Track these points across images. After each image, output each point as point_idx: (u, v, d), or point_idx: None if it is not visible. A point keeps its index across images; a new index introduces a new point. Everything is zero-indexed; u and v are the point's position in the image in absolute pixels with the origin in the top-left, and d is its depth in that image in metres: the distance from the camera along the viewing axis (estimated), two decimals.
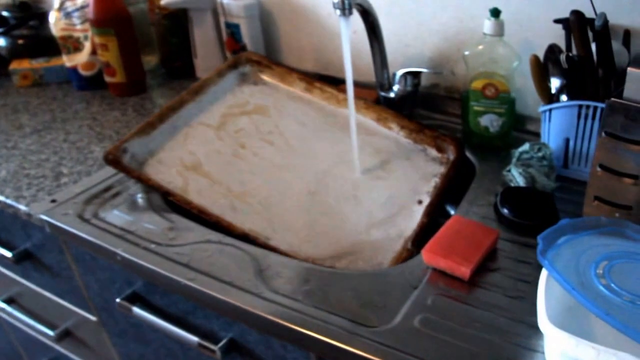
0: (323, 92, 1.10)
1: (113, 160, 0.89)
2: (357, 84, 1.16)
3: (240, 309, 0.69)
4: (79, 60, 1.21)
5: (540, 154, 0.90)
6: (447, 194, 0.94)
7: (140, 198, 0.89)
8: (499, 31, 0.94)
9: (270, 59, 1.14)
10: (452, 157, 1.00)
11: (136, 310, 0.85)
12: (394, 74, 1.10)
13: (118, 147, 0.91)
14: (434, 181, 0.97)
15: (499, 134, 1.01)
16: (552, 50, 0.92)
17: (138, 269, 0.76)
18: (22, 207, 0.87)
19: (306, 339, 0.66)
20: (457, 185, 0.97)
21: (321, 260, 0.82)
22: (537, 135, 1.04)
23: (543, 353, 0.62)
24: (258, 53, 1.15)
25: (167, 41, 1.29)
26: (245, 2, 1.19)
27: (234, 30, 1.21)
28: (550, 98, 0.91)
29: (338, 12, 0.89)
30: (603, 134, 0.76)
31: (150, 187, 0.88)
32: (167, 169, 0.93)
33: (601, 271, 0.61)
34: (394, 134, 1.05)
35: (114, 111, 1.16)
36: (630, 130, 0.74)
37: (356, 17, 1.11)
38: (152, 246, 0.78)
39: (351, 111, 0.95)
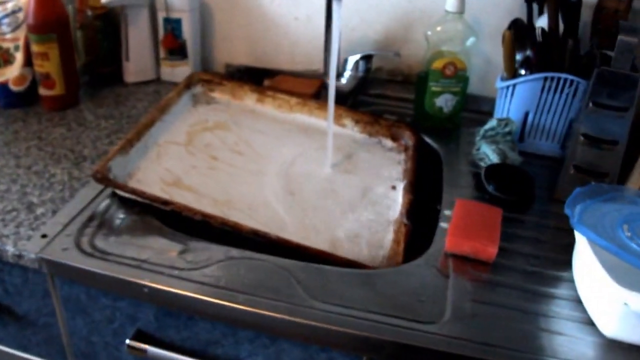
0: (275, 100, 1.10)
1: (103, 178, 0.83)
2: (296, 75, 1.14)
3: (295, 324, 0.67)
4: (9, 74, 1.05)
5: (507, 129, 0.94)
6: (420, 179, 0.96)
7: (133, 221, 0.80)
8: (461, 8, 0.96)
9: (221, 75, 1.14)
10: (410, 143, 1.01)
11: (152, 350, 0.78)
12: (345, 60, 1.08)
13: (104, 165, 0.85)
14: (401, 167, 0.98)
15: (451, 114, 1.04)
16: (517, 24, 0.94)
17: (171, 300, 0.71)
18: (10, 249, 0.76)
19: (375, 343, 0.66)
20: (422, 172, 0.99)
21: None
22: (480, 112, 1.09)
23: (588, 323, 0.67)
24: (209, 72, 1.15)
25: (96, 45, 1.18)
26: None
27: (174, 26, 1.13)
28: (514, 73, 0.94)
29: None
30: (590, 104, 0.80)
31: (146, 199, 0.83)
32: (148, 188, 0.87)
33: (629, 233, 0.65)
34: (348, 130, 1.08)
35: (57, 127, 1.04)
36: (617, 97, 0.79)
37: (300, 5, 1.08)
38: (176, 272, 0.73)
39: (331, 98, 0.95)
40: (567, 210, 0.70)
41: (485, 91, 1.09)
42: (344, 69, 1.09)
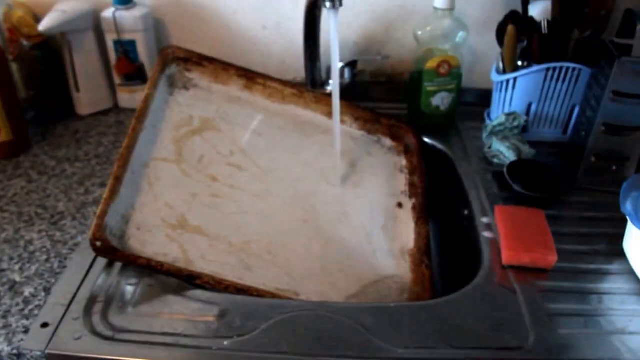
0: (266, 88, 0.93)
1: (105, 248, 0.67)
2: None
3: None
4: None
5: (515, 124, 0.88)
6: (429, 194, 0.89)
7: (148, 285, 0.67)
8: (452, 4, 0.88)
9: (201, 53, 0.91)
10: (410, 145, 0.93)
11: None
12: (329, 69, 0.98)
13: (100, 226, 0.68)
14: (404, 177, 0.91)
15: (447, 112, 0.97)
16: (517, 17, 0.88)
17: None
18: (4, 347, 0.60)
19: None
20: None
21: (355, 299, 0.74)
22: (469, 104, 1.03)
23: None
24: (185, 48, 0.91)
25: (37, 77, 0.99)
26: (140, 12, 0.97)
27: (127, 48, 0.98)
28: (515, 66, 0.89)
29: (328, 4, 0.75)
30: (610, 93, 0.76)
31: (163, 274, 0.68)
32: (153, 237, 0.73)
33: None
34: (347, 127, 0.95)
35: (15, 180, 0.87)
36: (637, 85, 0.75)
37: (267, 13, 0.96)
38: (226, 343, 0.60)
39: (336, 121, 0.83)
40: (626, 208, 0.66)
41: (473, 83, 1.03)
42: (328, 77, 0.99)
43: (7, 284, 0.68)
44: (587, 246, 0.73)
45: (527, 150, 0.87)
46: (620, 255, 0.72)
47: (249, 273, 0.73)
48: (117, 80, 1.02)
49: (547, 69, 0.86)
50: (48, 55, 0.99)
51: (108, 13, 0.97)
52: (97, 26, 0.99)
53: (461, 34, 0.91)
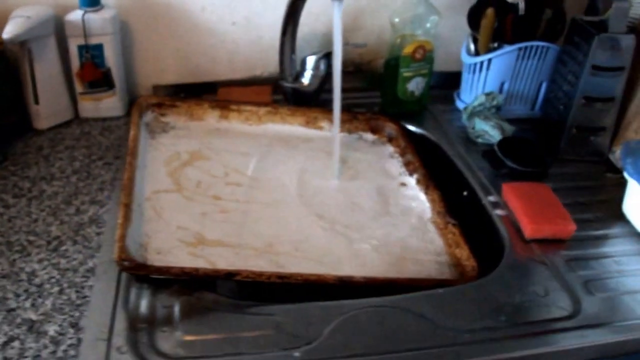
0: (241, 113, 0.93)
1: (136, 265, 0.62)
2: (238, 84, 0.99)
3: None
4: None
5: (494, 103, 0.91)
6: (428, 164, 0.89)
7: (188, 302, 0.62)
8: None
9: (172, 95, 0.93)
10: (393, 134, 0.94)
11: None
12: (303, 61, 0.95)
13: (124, 247, 0.62)
14: (397, 161, 0.91)
15: (420, 96, 0.98)
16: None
17: None
18: None
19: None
20: None
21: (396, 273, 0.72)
22: (436, 88, 1.04)
23: None
24: (155, 95, 0.93)
25: None
26: (109, 14, 0.88)
27: (94, 53, 0.88)
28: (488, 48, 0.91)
29: None
30: (590, 67, 0.80)
31: (206, 276, 0.63)
32: (176, 257, 0.68)
33: None
34: (326, 132, 0.95)
35: (1, 205, 0.76)
36: (613, 59, 0.80)
37: (236, 8, 0.93)
38: (297, 354, 0.57)
39: (336, 109, 0.81)
40: (628, 164, 0.71)
41: (436, 66, 1.05)
42: (303, 69, 0.96)
43: (23, 325, 0.59)
44: (589, 214, 0.77)
45: (508, 128, 0.90)
46: (621, 218, 0.77)
47: (283, 269, 0.69)
48: (79, 88, 0.92)
49: (520, 49, 0.90)
50: (5, 68, 0.87)
51: (74, 16, 0.87)
52: (57, 31, 0.88)
53: (432, 18, 0.92)
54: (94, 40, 0.88)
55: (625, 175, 0.74)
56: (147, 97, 0.89)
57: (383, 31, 1.00)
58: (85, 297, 0.62)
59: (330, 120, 0.93)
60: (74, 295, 0.63)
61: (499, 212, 0.77)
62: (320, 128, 0.94)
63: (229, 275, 0.63)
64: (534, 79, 0.93)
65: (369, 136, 0.95)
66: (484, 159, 0.87)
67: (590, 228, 0.75)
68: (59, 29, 0.89)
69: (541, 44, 0.89)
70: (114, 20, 0.89)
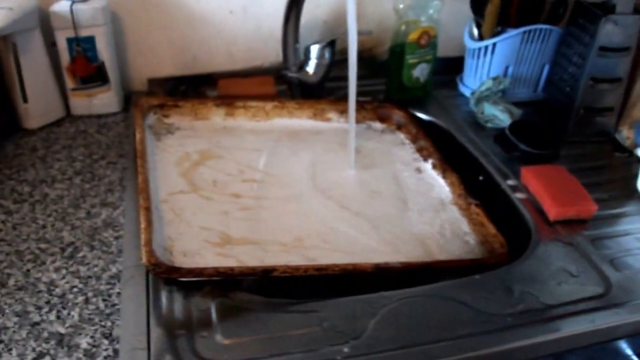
0: (247, 110, 0.90)
1: (167, 268, 0.58)
2: (239, 75, 0.95)
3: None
4: None
5: (501, 87, 0.91)
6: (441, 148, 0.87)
7: (224, 305, 0.58)
8: None
9: (173, 95, 0.89)
10: (402, 121, 0.92)
11: None
12: (307, 49, 0.92)
13: (152, 252, 0.58)
14: (409, 147, 0.89)
15: (425, 83, 0.97)
16: None
17: None
18: None
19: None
20: None
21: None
22: (437, 73, 1.02)
23: None
24: (152, 90, 0.89)
25: None
26: (100, 3, 0.83)
27: (86, 47, 0.83)
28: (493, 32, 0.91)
29: None
30: (597, 49, 0.81)
31: (243, 275, 0.60)
32: (204, 259, 0.65)
33: None
34: (334, 124, 0.93)
35: (2, 212, 0.70)
36: (619, 40, 0.80)
37: None
38: (346, 350, 0.55)
39: (352, 99, 0.79)
40: None
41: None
42: (307, 59, 0.93)
43: (52, 339, 0.55)
44: (604, 193, 0.77)
45: (516, 111, 0.89)
46: (635, 196, 0.77)
47: (314, 262, 0.67)
48: (70, 84, 0.86)
49: (524, 32, 0.89)
50: None
51: (59, 7, 0.81)
52: (42, 24, 0.82)
53: (435, 3, 0.90)
54: (84, 33, 0.83)
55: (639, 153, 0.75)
56: (148, 98, 0.85)
57: (384, 18, 0.98)
58: (114, 305, 0.58)
59: (338, 111, 0.91)
60: (101, 304, 0.58)
61: (519, 195, 0.76)
62: (328, 120, 0.92)
63: (266, 272, 0.60)
64: (537, 61, 0.93)
65: (378, 125, 0.93)
66: (496, 143, 0.86)
67: (607, 207, 0.75)
68: (43, 21, 0.83)
69: (545, 27, 0.89)
70: (104, 11, 0.83)
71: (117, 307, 0.58)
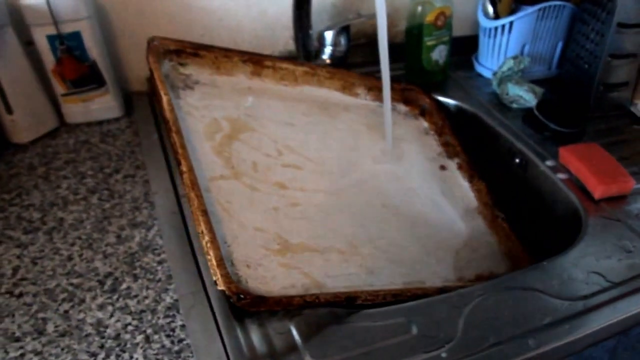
0: (276, 71, 0.79)
1: (253, 299, 0.50)
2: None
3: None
4: None
5: (521, 66, 0.88)
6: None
7: (305, 326, 0.52)
8: None
9: (194, 42, 0.73)
10: (425, 105, 0.87)
11: None
12: (321, 36, 0.85)
13: (228, 276, 0.50)
14: (433, 139, 0.85)
15: (444, 65, 0.93)
16: None
17: None
18: None
19: None
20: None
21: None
22: (455, 54, 0.97)
23: None
24: (173, 38, 0.72)
25: None
26: None
27: (71, 45, 0.72)
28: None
29: None
30: (615, 25, 0.79)
31: (323, 306, 0.53)
32: (268, 271, 0.57)
33: None
34: (362, 100, 0.85)
35: (14, 245, 0.59)
36: (636, 16, 0.78)
37: None
38: (444, 355, 0.50)
39: (386, 83, 0.73)
40: None
41: None
42: (322, 46, 0.85)
43: None
44: (633, 167, 0.75)
45: (538, 90, 0.86)
46: None
47: (375, 277, 0.63)
48: (60, 89, 0.75)
49: (539, 9, 0.86)
50: None
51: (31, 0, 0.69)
52: (15, 21, 0.70)
53: None
54: (67, 28, 0.71)
55: None
56: (161, 39, 0.71)
57: None
58: (181, 340, 0.50)
59: (366, 88, 0.85)
60: (166, 341, 0.50)
61: (561, 176, 0.74)
62: (357, 95, 0.84)
63: (350, 300, 0.54)
64: (551, 39, 0.91)
65: (402, 107, 0.87)
66: (524, 124, 0.83)
67: None
68: (16, 17, 0.71)
69: (559, 3, 0.86)
70: (88, 1, 0.72)
71: (185, 342, 0.50)
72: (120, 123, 0.80)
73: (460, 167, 0.80)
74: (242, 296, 0.49)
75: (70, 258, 0.58)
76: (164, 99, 0.63)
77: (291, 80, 0.79)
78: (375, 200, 0.72)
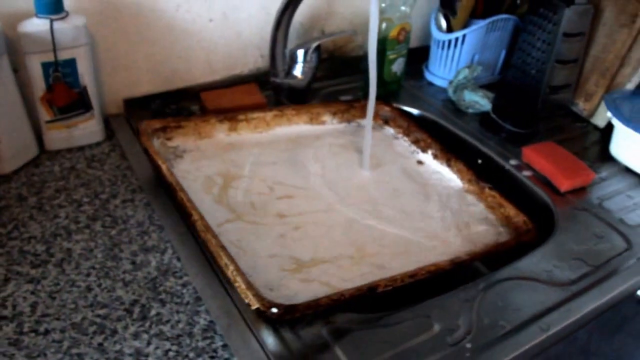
0: (249, 122, 0.84)
1: (286, 308, 0.53)
2: (221, 86, 0.89)
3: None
4: None
5: (474, 74, 0.95)
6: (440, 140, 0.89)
7: (334, 331, 0.55)
8: None
9: (175, 115, 0.82)
10: (386, 115, 0.93)
11: None
12: (294, 53, 0.87)
13: (260, 295, 0.53)
14: (403, 141, 0.90)
15: (401, 76, 0.98)
16: None
17: None
18: None
19: None
20: None
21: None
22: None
23: None
24: (158, 118, 0.78)
25: None
26: (80, 20, 0.71)
27: (65, 71, 0.70)
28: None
29: None
30: (562, 36, 0.87)
31: (348, 300, 0.57)
32: (290, 290, 0.62)
33: None
34: (329, 126, 0.90)
35: (5, 287, 0.57)
36: (577, 26, 0.88)
37: (213, 3, 0.83)
38: (469, 345, 0.55)
39: (371, 102, 0.77)
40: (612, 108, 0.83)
41: None
42: (293, 63, 0.87)
43: None
44: (585, 161, 0.84)
45: (490, 95, 0.94)
46: (610, 159, 0.86)
47: (387, 270, 0.66)
48: (46, 116, 0.72)
49: (489, 22, 0.94)
50: None
51: (33, 27, 0.66)
52: (13, 49, 0.67)
53: (410, 0, 0.91)
54: (64, 55, 0.69)
55: (613, 120, 0.83)
56: (147, 122, 0.75)
57: (355, 16, 0.96)
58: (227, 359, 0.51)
59: (331, 113, 0.89)
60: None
61: (525, 173, 0.81)
62: (324, 123, 0.89)
63: (372, 290, 0.57)
64: (497, 48, 0.99)
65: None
66: (482, 127, 0.90)
67: (594, 170, 0.82)
68: (8, 45, 0.68)
69: (506, 16, 0.94)
70: (86, 28, 0.70)
71: None
72: (103, 147, 0.77)
73: (436, 157, 0.85)
74: (275, 309, 0.51)
75: (89, 289, 0.57)
76: (163, 167, 0.67)
77: (264, 126, 0.84)
78: (367, 205, 0.75)
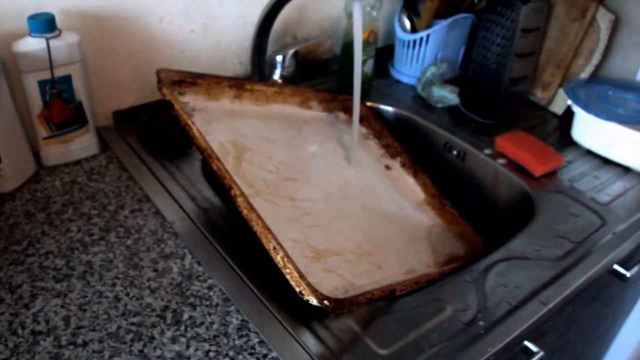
0: (253, 93, 0.83)
1: (336, 302, 0.56)
2: None
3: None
4: None
5: (441, 71, 1.00)
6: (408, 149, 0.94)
7: (360, 320, 0.59)
8: None
9: (191, 71, 0.76)
10: (362, 114, 0.96)
11: None
12: (273, 59, 0.90)
13: (312, 287, 0.54)
14: (373, 143, 0.94)
15: (370, 76, 1.02)
16: None
17: None
18: None
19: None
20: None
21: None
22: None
23: None
24: (176, 69, 0.74)
25: None
26: (73, 38, 0.71)
27: (62, 87, 0.70)
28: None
29: None
30: (520, 32, 0.94)
31: (377, 301, 0.61)
32: (315, 277, 0.63)
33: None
34: (315, 112, 0.92)
35: (52, 295, 0.57)
36: (533, 22, 0.95)
37: (193, 14, 0.85)
38: (481, 323, 0.59)
39: (356, 105, 0.81)
40: (570, 95, 0.91)
41: None
42: (274, 68, 0.90)
43: None
44: (551, 146, 0.92)
45: (457, 90, 1.00)
46: (572, 143, 0.93)
47: (384, 270, 0.71)
48: (43, 133, 0.71)
49: (451, 22, 1.00)
50: None
51: (28, 46, 0.66)
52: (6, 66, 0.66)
53: (376, 3, 0.95)
54: (60, 72, 0.69)
55: (574, 107, 0.91)
56: (167, 71, 0.72)
57: (325, 20, 0.99)
58: (265, 355, 0.54)
59: (318, 100, 0.91)
60: (253, 359, 0.54)
61: (500, 161, 0.87)
62: (310, 108, 0.90)
63: (392, 293, 0.61)
64: (457, 45, 1.05)
65: (342, 116, 0.95)
66: (452, 120, 0.96)
67: (563, 154, 0.90)
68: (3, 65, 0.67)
69: (466, 15, 1.00)
70: (79, 45, 0.70)
71: (270, 356, 0.54)
72: (99, 160, 0.77)
73: (403, 165, 0.90)
74: (327, 302, 0.54)
75: (117, 298, 0.58)
76: (194, 128, 0.64)
77: (263, 100, 0.84)
78: (356, 203, 0.79)
